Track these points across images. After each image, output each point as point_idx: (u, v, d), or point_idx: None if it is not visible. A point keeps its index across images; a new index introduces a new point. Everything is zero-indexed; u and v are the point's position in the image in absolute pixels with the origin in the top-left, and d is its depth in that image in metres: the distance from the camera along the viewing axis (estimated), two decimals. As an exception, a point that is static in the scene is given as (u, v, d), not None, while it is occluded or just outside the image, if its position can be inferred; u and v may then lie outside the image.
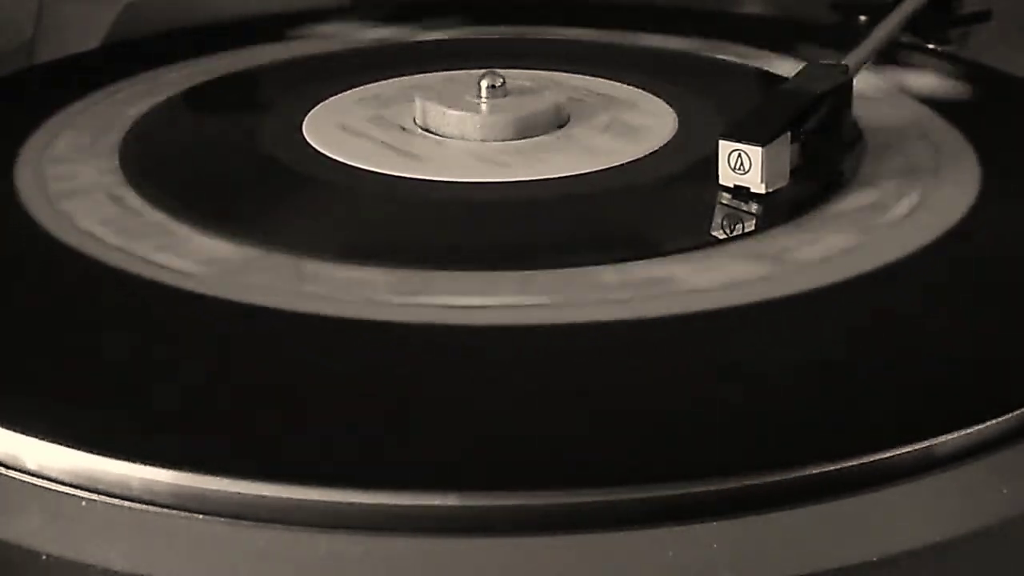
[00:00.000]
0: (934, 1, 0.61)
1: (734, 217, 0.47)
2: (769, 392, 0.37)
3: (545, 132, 0.52)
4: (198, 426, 0.36)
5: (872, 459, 0.34)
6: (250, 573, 0.33)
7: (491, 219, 0.47)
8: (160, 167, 0.51)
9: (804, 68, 0.51)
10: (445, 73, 0.57)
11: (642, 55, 0.62)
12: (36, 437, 0.35)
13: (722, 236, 0.45)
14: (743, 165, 0.47)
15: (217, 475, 0.34)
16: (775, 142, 0.47)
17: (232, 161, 0.52)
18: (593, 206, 0.47)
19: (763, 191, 0.47)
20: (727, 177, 0.47)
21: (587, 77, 0.57)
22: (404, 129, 0.53)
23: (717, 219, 0.47)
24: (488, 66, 0.53)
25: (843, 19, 0.69)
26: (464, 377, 0.38)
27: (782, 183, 0.47)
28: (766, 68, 0.59)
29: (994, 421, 0.35)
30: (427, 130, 0.52)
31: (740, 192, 0.47)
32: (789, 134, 0.48)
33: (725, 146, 0.47)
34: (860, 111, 0.53)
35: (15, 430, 0.35)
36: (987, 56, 0.63)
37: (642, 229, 0.47)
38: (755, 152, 0.47)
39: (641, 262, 0.43)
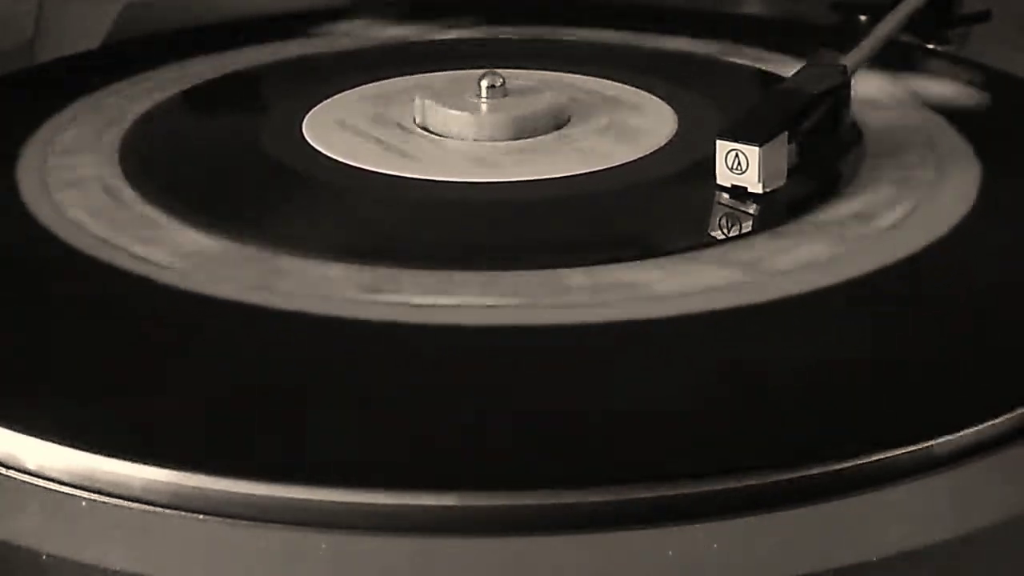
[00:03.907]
0: (934, 1, 0.61)
1: (718, 222, 0.47)
2: (769, 393, 0.37)
3: (544, 132, 0.52)
4: (198, 426, 0.36)
5: (872, 459, 0.34)
6: (250, 573, 0.33)
7: (478, 219, 0.47)
8: (159, 165, 0.51)
9: (802, 68, 0.51)
10: (445, 73, 0.57)
11: (642, 55, 0.62)
12: (36, 437, 0.35)
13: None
14: (740, 165, 0.47)
15: (217, 475, 0.34)
16: (772, 142, 0.47)
17: (230, 158, 0.52)
18: (582, 208, 0.47)
19: (760, 191, 0.47)
20: (724, 177, 0.47)
21: (587, 77, 0.57)
22: (403, 129, 0.53)
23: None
24: (488, 66, 0.53)
25: (843, 19, 0.69)
26: (462, 377, 0.38)
27: (779, 183, 0.47)
28: (766, 68, 0.59)
29: (994, 421, 0.36)
30: (426, 130, 0.52)
31: (737, 192, 0.47)
32: (787, 134, 0.48)
33: (722, 146, 0.47)
34: (859, 111, 0.53)
35: (15, 430, 0.36)
36: (987, 56, 0.63)
37: (625, 232, 0.47)
38: (752, 152, 0.47)
39: (614, 266, 0.43)
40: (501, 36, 0.65)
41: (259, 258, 0.44)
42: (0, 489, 0.35)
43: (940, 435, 0.35)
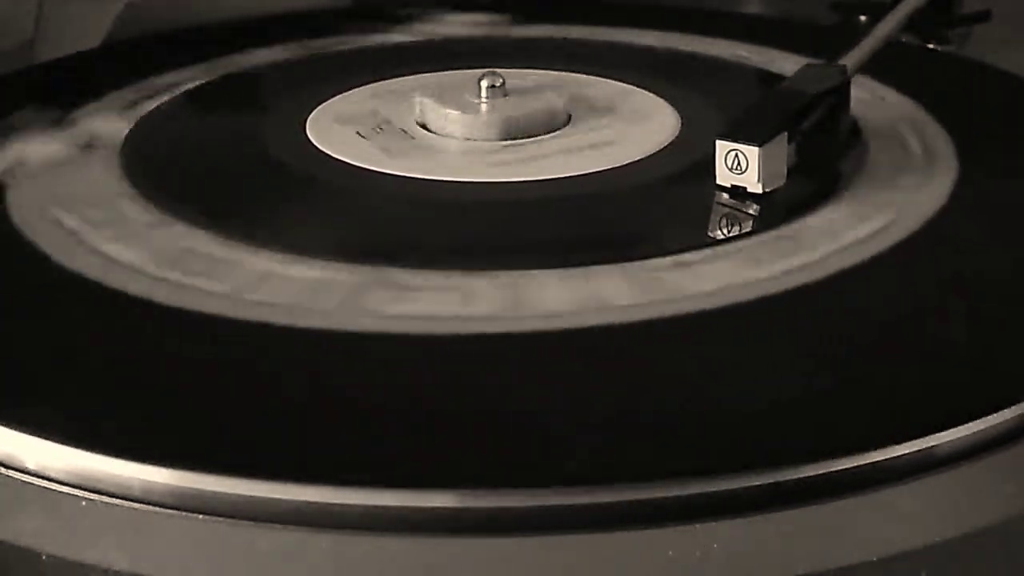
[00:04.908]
0: (934, 1, 0.61)
1: (717, 222, 0.47)
2: (768, 392, 0.37)
3: (544, 133, 0.52)
4: (198, 426, 0.36)
5: (872, 459, 0.34)
6: (250, 573, 0.33)
7: (477, 219, 0.47)
8: (161, 166, 0.51)
9: (802, 68, 0.51)
10: (445, 73, 0.57)
11: (642, 55, 0.62)
12: (36, 437, 0.35)
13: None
14: (740, 165, 0.47)
15: (217, 475, 0.34)
16: (772, 142, 0.47)
17: (231, 158, 0.52)
18: (582, 208, 0.47)
19: (760, 191, 0.47)
20: (724, 177, 0.47)
21: (587, 77, 0.57)
22: (404, 129, 0.53)
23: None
24: (489, 66, 0.53)
25: (843, 19, 0.69)
26: (461, 378, 0.38)
27: (779, 183, 0.47)
28: (766, 68, 0.59)
29: (994, 421, 0.36)
30: (427, 130, 0.52)
31: (737, 192, 0.47)
32: (786, 134, 0.48)
33: (722, 146, 0.47)
34: (858, 111, 0.53)
35: (15, 430, 0.36)
36: (987, 56, 0.63)
37: (623, 233, 0.46)
38: (752, 152, 0.47)
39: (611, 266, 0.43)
40: (501, 36, 0.65)
41: (257, 257, 0.44)
42: (0, 489, 0.35)
43: (940, 435, 0.35)
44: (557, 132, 0.52)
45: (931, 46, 0.66)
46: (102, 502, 0.34)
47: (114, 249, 0.45)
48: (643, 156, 0.50)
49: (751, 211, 0.47)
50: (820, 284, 0.42)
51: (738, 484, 0.33)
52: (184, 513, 0.33)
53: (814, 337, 0.40)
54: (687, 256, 0.43)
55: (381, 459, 0.35)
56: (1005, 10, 0.68)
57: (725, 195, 0.47)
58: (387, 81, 0.58)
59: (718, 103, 0.55)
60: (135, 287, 0.42)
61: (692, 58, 0.61)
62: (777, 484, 0.34)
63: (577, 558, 0.33)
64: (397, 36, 0.65)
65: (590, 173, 0.49)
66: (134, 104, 0.56)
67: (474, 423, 0.36)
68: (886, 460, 0.34)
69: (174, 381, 0.38)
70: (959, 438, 0.35)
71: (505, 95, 0.53)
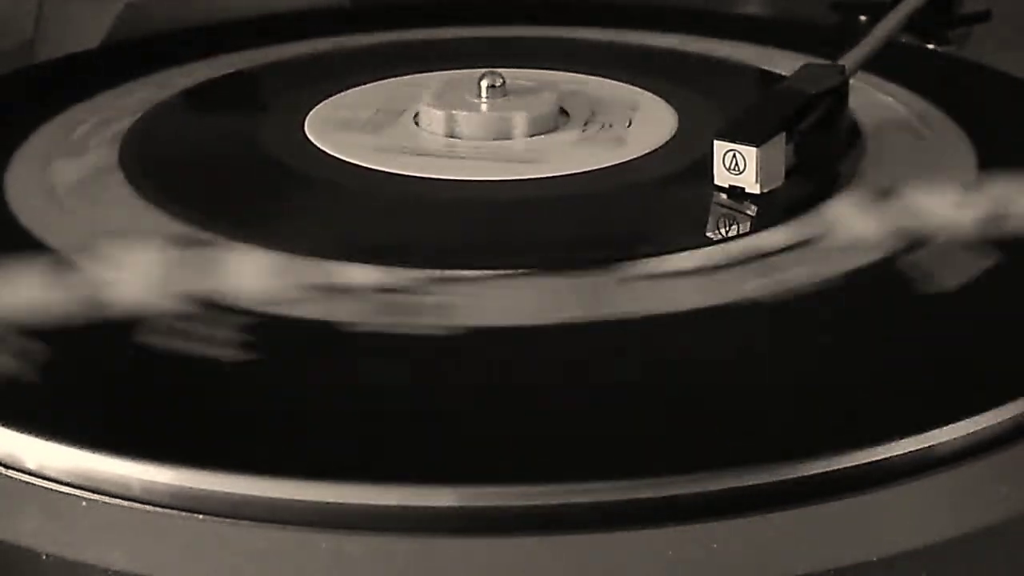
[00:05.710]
0: (934, 1, 0.61)
1: (715, 222, 0.47)
2: (769, 392, 0.37)
3: (544, 132, 0.52)
4: (198, 426, 0.36)
5: (871, 459, 0.34)
6: (250, 573, 0.33)
7: (475, 219, 0.47)
8: (159, 164, 0.51)
9: (801, 68, 0.51)
10: (445, 73, 0.57)
11: (642, 55, 0.62)
12: (36, 437, 0.35)
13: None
14: (738, 165, 0.47)
15: (217, 475, 0.34)
16: (770, 142, 0.47)
17: (230, 157, 0.52)
18: (579, 208, 0.47)
19: (758, 191, 0.47)
20: (722, 177, 0.47)
21: (587, 77, 0.57)
22: (404, 128, 0.53)
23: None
24: (488, 66, 0.53)
25: (843, 19, 0.69)
26: (460, 377, 0.38)
27: (777, 183, 0.47)
28: (766, 68, 0.59)
29: (994, 421, 0.36)
30: (427, 130, 0.52)
31: (735, 192, 0.47)
32: (784, 134, 0.47)
33: (720, 146, 0.47)
34: (857, 111, 0.53)
35: (15, 430, 0.36)
36: (987, 56, 0.63)
37: (621, 232, 0.46)
38: (750, 152, 0.47)
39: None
40: (501, 36, 0.65)
41: (259, 257, 0.44)
42: (0, 489, 0.35)
43: (940, 435, 0.35)
44: (556, 132, 0.52)
45: (931, 46, 0.66)
46: (102, 502, 0.34)
47: (113, 248, 0.45)
48: (639, 156, 0.50)
49: (748, 211, 0.47)
50: (819, 282, 0.42)
51: (738, 484, 0.33)
52: (184, 513, 0.33)
53: (814, 337, 0.40)
54: (682, 256, 0.44)
55: (381, 458, 0.35)
56: (1005, 10, 0.68)
57: (722, 195, 0.47)
58: (387, 81, 0.58)
59: (717, 103, 0.55)
60: (135, 286, 0.42)
61: (691, 58, 0.61)
62: (777, 484, 0.34)
63: (577, 558, 0.33)
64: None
65: (588, 172, 0.49)
66: (134, 103, 0.57)
67: (474, 422, 0.36)
68: (886, 460, 0.34)
69: (174, 381, 0.38)
70: (959, 438, 0.35)
71: (505, 95, 0.53)
